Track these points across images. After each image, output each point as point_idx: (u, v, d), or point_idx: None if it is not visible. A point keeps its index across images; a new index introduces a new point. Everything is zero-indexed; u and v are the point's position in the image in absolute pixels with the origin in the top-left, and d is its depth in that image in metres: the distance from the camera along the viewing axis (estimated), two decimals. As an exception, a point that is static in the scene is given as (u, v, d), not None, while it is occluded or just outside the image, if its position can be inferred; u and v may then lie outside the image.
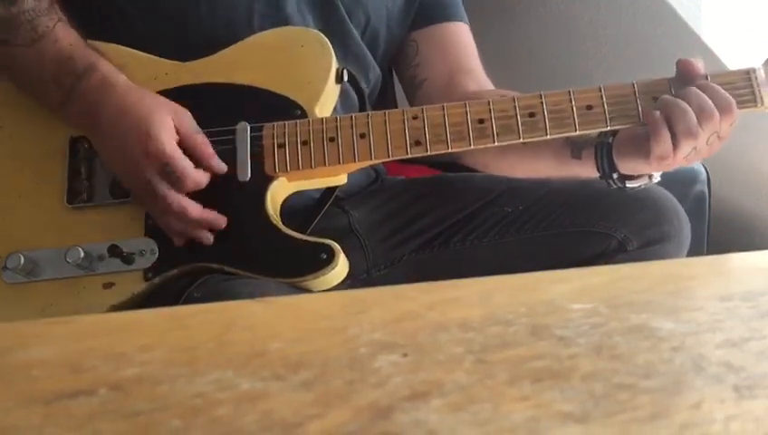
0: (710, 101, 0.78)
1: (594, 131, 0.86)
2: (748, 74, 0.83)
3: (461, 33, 1.04)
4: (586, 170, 0.89)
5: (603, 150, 0.86)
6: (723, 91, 0.79)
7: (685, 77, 0.82)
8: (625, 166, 0.85)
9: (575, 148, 0.88)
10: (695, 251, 1.08)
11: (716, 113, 0.77)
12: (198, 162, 0.78)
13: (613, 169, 0.86)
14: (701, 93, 0.79)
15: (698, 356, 0.33)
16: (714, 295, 0.46)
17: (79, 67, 0.78)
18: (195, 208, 0.77)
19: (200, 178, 0.78)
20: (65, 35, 0.80)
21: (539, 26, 1.62)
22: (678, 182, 1.39)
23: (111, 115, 0.77)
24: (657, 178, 0.87)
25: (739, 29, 1.51)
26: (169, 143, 0.76)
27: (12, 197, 0.81)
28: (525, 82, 1.78)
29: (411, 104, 1.04)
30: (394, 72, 1.10)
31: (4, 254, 0.78)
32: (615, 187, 0.87)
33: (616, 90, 0.82)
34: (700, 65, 0.82)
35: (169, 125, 0.77)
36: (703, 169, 1.53)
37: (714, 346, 0.35)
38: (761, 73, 0.83)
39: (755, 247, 1.79)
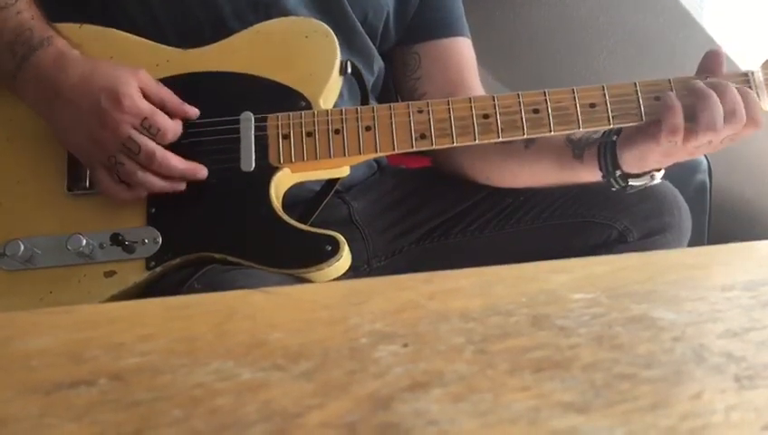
0: (743, 108, 0.77)
1: (597, 132, 0.86)
2: (746, 76, 0.83)
3: (464, 50, 1.04)
4: (588, 171, 0.89)
5: (606, 148, 0.86)
6: (758, 104, 0.79)
7: (709, 67, 0.83)
8: (630, 156, 0.84)
9: (576, 148, 0.88)
10: (696, 241, 1.08)
11: (744, 121, 0.77)
12: (170, 113, 0.79)
13: (616, 166, 0.85)
14: (737, 96, 0.78)
15: (699, 346, 0.33)
16: (715, 285, 0.46)
17: (35, 38, 0.79)
18: (178, 159, 0.78)
19: (177, 128, 0.79)
20: (28, 8, 0.81)
21: (541, 18, 1.61)
22: (679, 172, 1.39)
23: (75, 83, 0.77)
24: (658, 178, 0.86)
25: (742, 20, 1.51)
26: (142, 99, 0.77)
27: (10, 182, 0.81)
28: (527, 74, 1.77)
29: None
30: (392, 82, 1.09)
31: (2, 241, 0.78)
32: (617, 186, 0.87)
33: (618, 89, 0.83)
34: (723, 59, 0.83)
35: (135, 84, 0.77)
36: (704, 159, 1.53)
37: (715, 336, 0.35)
38: (759, 76, 0.84)
39: (756, 237, 1.79)
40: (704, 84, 0.79)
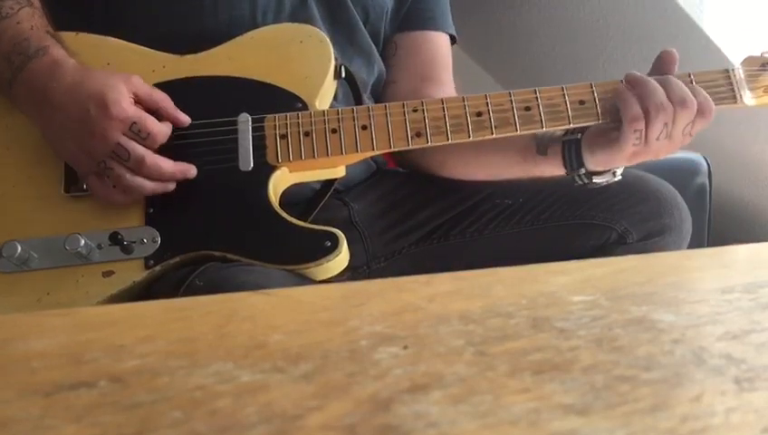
0: (689, 93, 0.80)
1: (560, 129, 0.87)
2: (728, 73, 0.87)
3: (440, 45, 1.05)
4: (550, 167, 0.90)
5: (571, 146, 0.87)
6: (703, 92, 0.81)
7: (663, 67, 0.85)
8: (595, 159, 0.86)
9: (541, 144, 0.90)
10: (696, 243, 1.08)
11: (694, 103, 0.79)
12: (162, 118, 0.79)
13: (580, 163, 0.86)
14: (682, 85, 0.81)
15: (699, 348, 0.33)
16: (715, 287, 0.46)
17: (32, 48, 0.79)
18: (168, 161, 0.78)
19: (167, 131, 0.79)
20: (28, 19, 0.81)
21: (541, 21, 1.61)
22: (679, 174, 1.39)
23: (64, 91, 0.76)
24: (619, 174, 0.88)
25: (741, 20, 1.51)
26: (130, 105, 0.76)
27: (7, 185, 0.81)
28: (528, 77, 1.78)
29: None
30: None
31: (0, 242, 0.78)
32: (580, 183, 0.88)
33: (606, 86, 0.85)
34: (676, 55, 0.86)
35: (124, 90, 0.77)
36: (704, 161, 1.53)
37: (714, 338, 0.35)
38: (739, 73, 0.87)
39: (756, 239, 1.80)
40: (637, 74, 0.83)
